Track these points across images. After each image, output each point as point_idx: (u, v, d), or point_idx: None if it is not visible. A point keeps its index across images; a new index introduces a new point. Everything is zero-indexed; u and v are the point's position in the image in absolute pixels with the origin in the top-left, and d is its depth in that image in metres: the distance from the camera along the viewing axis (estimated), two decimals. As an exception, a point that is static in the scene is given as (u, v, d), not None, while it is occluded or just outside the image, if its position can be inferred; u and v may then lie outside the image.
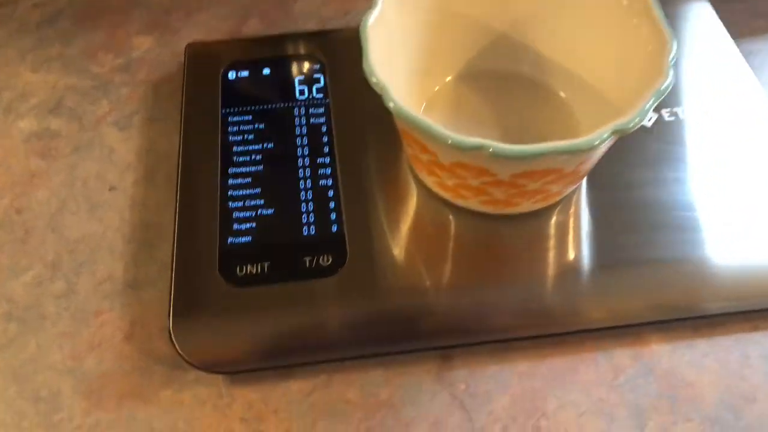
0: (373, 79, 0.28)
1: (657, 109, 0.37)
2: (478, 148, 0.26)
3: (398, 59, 0.32)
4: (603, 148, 0.27)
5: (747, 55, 0.40)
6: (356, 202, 0.34)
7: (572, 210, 0.33)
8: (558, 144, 0.26)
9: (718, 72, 0.39)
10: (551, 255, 0.32)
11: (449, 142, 0.26)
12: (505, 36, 0.35)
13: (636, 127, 0.26)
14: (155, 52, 0.42)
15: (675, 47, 0.28)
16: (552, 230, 0.33)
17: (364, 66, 0.29)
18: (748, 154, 0.35)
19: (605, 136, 0.26)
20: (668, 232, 0.32)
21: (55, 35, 0.42)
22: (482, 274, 0.32)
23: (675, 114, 0.37)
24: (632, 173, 0.34)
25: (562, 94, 0.35)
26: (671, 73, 0.28)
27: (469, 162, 0.28)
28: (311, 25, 0.43)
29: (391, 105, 0.28)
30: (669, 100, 0.37)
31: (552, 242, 0.33)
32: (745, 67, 0.39)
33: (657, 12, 0.29)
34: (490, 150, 0.26)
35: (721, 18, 0.41)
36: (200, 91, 0.37)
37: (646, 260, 0.32)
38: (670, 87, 0.27)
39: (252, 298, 0.30)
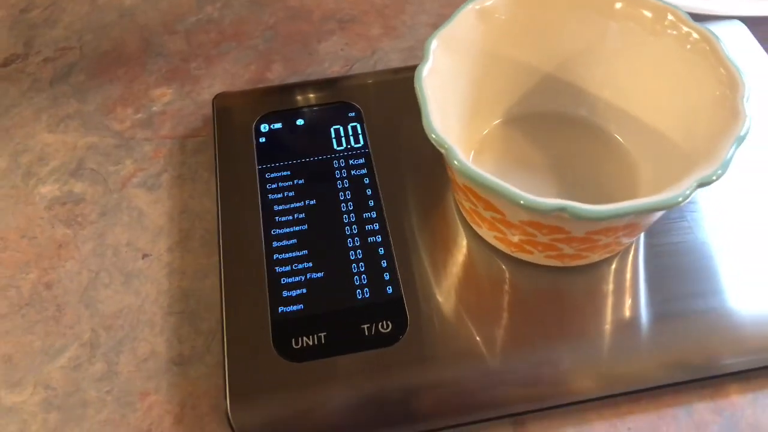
0: (434, 136, 0.27)
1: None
2: (558, 210, 0.24)
3: (448, 106, 0.30)
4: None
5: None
6: (408, 257, 0.32)
7: (631, 256, 0.32)
8: (642, 202, 0.24)
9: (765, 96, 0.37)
10: (616, 307, 0.30)
11: (521, 202, 0.25)
12: (553, 77, 0.34)
13: (719, 178, 0.25)
14: (177, 105, 0.40)
15: (748, 89, 0.27)
16: (611, 280, 0.31)
17: (424, 122, 0.27)
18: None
19: (688, 192, 0.25)
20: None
21: (71, 91, 0.40)
22: (547, 331, 0.30)
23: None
24: (693, 214, 0.33)
25: (618, 137, 0.33)
26: (749, 116, 0.26)
27: (543, 221, 0.26)
28: (337, 68, 0.42)
29: (455, 164, 0.26)
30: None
31: (614, 294, 0.31)
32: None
33: (724, 52, 0.28)
34: (571, 211, 0.24)
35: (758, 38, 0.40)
36: (233, 146, 0.36)
37: (717, 308, 0.30)
38: (749, 131, 0.26)
39: (311, 373, 0.28)
